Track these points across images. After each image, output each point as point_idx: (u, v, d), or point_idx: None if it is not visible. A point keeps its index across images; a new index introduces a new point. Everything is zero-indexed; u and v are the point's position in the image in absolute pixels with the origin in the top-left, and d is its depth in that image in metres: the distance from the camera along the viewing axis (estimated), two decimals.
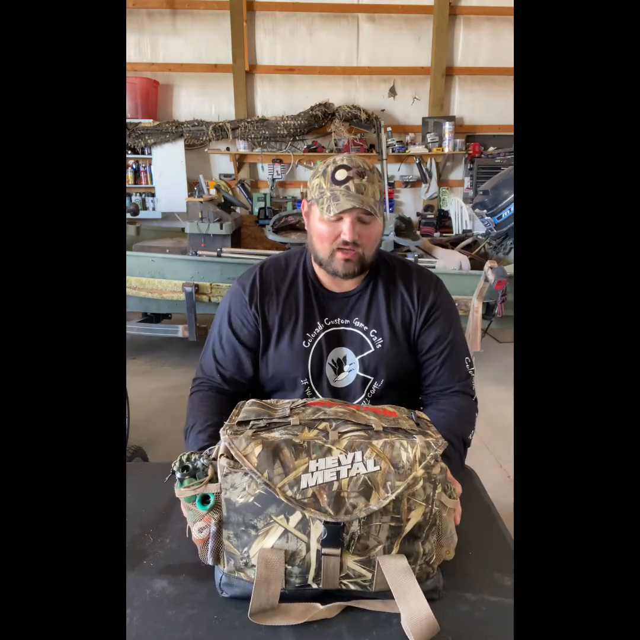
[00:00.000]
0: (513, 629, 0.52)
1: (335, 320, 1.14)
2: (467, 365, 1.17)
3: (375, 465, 0.72)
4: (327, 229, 1.06)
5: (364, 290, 1.15)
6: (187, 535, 0.79)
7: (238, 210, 4.20)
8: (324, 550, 0.70)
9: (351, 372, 1.14)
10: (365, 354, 1.13)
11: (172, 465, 0.78)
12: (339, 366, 1.14)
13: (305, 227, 1.14)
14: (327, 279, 1.15)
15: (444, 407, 1.11)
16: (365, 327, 1.13)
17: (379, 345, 1.12)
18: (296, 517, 0.70)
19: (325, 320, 1.14)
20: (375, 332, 1.13)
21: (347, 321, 1.14)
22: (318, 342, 1.13)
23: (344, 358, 1.14)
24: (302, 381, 1.13)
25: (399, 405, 1.11)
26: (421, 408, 1.18)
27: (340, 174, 1.03)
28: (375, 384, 1.13)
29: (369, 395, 1.14)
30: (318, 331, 1.13)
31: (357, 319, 1.14)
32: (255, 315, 1.13)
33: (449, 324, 1.16)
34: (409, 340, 1.14)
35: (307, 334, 1.13)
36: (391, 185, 5.43)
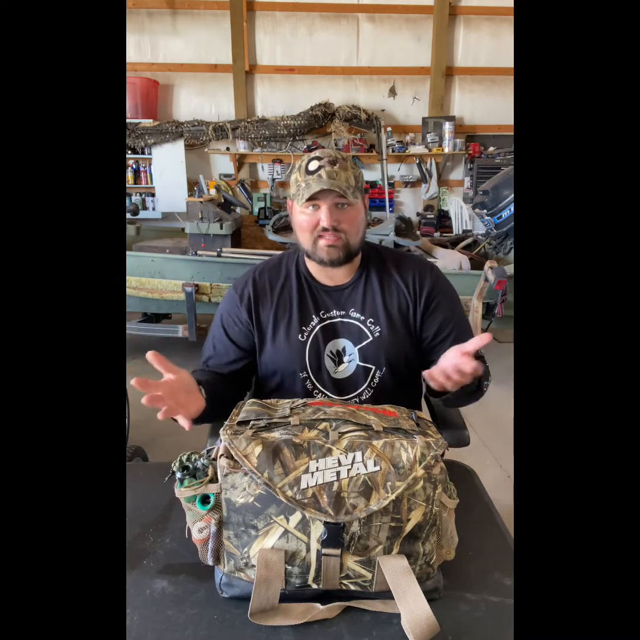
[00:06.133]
0: (513, 629, 0.52)
1: (331, 313, 1.15)
2: None
3: (375, 465, 0.72)
4: (306, 219, 1.08)
5: (357, 282, 1.16)
6: (187, 535, 0.79)
7: (238, 210, 4.19)
8: (324, 551, 0.70)
9: (351, 362, 1.14)
10: (363, 343, 1.14)
11: (172, 465, 0.78)
12: (338, 357, 1.15)
13: (292, 225, 1.17)
14: (320, 274, 1.17)
15: None
16: (362, 317, 1.15)
17: (377, 334, 1.14)
18: (296, 517, 0.70)
19: (320, 313, 1.15)
20: (372, 321, 1.14)
21: (342, 313, 1.15)
22: (314, 335, 1.14)
23: (343, 349, 1.15)
24: (300, 374, 1.14)
25: (402, 396, 1.12)
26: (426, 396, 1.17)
27: (313, 165, 1.06)
28: (377, 373, 1.14)
29: (373, 384, 1.14)
30: (314, 324, 1.14)
31: (353, 309, 1.15)
32: (247, 315, 1.16)
33: (450, 308, 1.17)
34: (407, 327, 1.15)
35: (303, 328, 1.14)
36: (391, 185, 5.42)
